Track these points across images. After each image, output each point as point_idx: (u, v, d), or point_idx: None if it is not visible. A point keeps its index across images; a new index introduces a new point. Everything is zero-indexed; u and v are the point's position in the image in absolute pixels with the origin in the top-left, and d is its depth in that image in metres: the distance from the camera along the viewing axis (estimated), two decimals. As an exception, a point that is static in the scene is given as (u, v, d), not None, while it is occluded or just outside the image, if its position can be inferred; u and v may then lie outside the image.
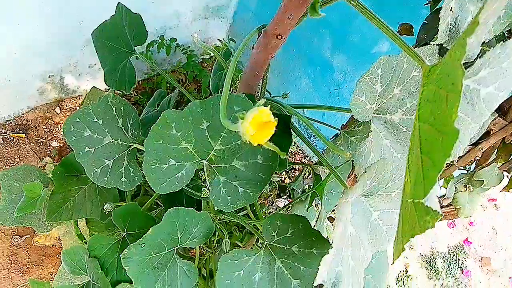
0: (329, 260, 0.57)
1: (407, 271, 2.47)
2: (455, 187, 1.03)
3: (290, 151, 2.56)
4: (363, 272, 0.73)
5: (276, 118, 0.43)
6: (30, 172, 1.25)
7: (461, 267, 2.64)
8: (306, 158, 2.65)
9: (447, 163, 1.10)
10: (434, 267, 2.55)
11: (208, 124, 0.71)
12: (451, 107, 0.31)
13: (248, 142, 0.44)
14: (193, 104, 0.68)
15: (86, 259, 0.87)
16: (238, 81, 0.99)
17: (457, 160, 1.05)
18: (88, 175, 0.82)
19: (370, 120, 0.82)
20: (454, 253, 2.66)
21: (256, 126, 0.42)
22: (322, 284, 0.61)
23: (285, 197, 1.87)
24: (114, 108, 0.82)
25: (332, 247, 0.58)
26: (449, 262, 2.60)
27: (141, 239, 0.75)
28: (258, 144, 0.45)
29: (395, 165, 0.72)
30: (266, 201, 1.43)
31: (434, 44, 0.63)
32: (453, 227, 2.66)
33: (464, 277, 2.60)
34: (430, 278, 2.54)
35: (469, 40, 0.28)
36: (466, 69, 0.45)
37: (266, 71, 0.84)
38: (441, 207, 1.13)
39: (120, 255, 0.74)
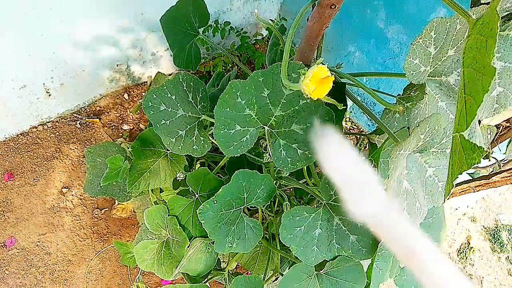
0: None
1: (469, 244, 2.41)
2: (516, 149, 1.01)
3: (345, 127, 2.58)
4: (419, 225, 0.78)
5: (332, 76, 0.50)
6: (110, 148, 1.41)
7: (530, 240, 2.52)
8: (362, 133, 2.65)
9: (507, 126, 1.09)
10: (499, 239, 2.46)
11: (269, 92, 0.78)
12: (489, 49, 0.35)
13: (309, 99, 0.51)
14: (255, 73, 0.76)
15: (165, 218, 1.00)
16: (293, 56, 1.05)
17: (518, 122, 1.03)
18: (165, 144, 0.94)
19: (425, 83, 0.84)
20: (521, 225, 2.55)
21: (316, 82, 0.48)
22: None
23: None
24: (184, 84, 0.92)
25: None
26: (515, 234, 2.50)
27: (214, 197, 0.85)
28: (317, 101, 0.51)
29: (449, 121, 0.75)
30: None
31: (484, 3, 0.65)
32: (520, 199, 2.53)
33: (532, 251, 2.48)
34: (494, 251, 2.46)
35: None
36: (509, 21, 0.48)
37: (321, 42, 0.90)
38: (502, 171, 1.12)
39: (197, 211, 0.85)
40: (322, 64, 0.48)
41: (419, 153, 0.73)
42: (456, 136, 0.47)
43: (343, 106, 0.91)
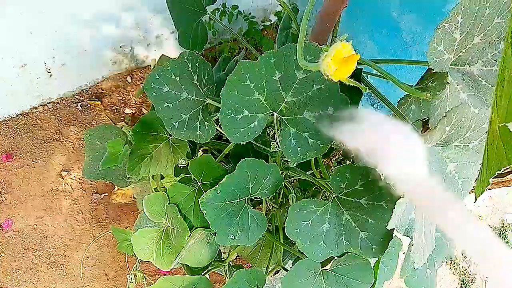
0: (403, 203, 0.58)
1: (474, 243, 2.37)
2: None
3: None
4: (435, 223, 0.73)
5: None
6: (111, 131, 1.36)
7: (537, 242, 2.48)
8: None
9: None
10: (505, 239, 2.42)
11: (280, 75, 0.73)
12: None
13: (323, 85, 0.45)
14: (266, 54, 0.70)
15: (166, 205, 0.96)
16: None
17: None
18: (167, 128, 0.88)
19: (447, 72, 0.79)
20: (529, 226, 2.50)
21: (338, 61, 0.43)
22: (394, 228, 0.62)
23: (348, 163, 1.86)
24: (190, 65, 0.86)
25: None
26: (522, 235, 2.46)
27: (217, 186, 0.80)
28: (332, 87, 0.46)
29: (471, 115, 0.69)
30: (330, 162, 1.45)
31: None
32: (528, 199, 2.48)
33: (539, 253, 2.44)
34: (500, 252, 2.42)
35: None
36: None
37: (337, 24, 0.84)
38: (520, 170, 1.07)
39: (199, 200, 0.80)
40: (346, 41, 0.43)
41: (441, 146, 0.67)
42: (494, 128, 0.41)
43: (356, 96, 0.86)
